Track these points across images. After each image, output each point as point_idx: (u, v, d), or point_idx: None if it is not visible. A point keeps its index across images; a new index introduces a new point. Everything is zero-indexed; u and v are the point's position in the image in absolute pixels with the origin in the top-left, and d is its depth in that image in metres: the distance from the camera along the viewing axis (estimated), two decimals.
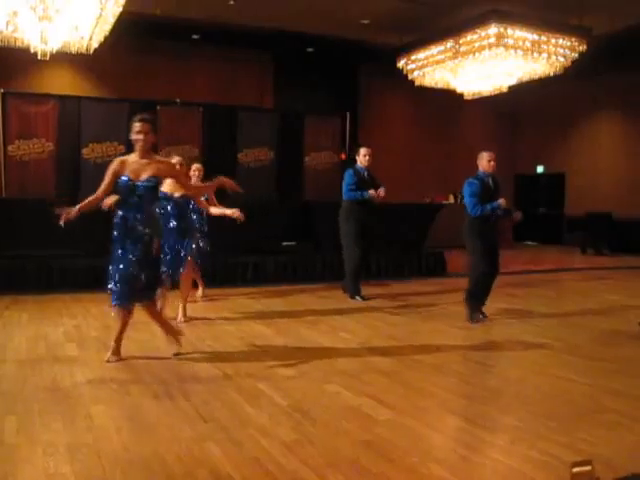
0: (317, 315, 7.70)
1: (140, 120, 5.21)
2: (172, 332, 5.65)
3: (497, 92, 15.05)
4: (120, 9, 9.69)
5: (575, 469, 0.97)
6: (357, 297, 8.77)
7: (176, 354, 5.56)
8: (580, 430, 3.84)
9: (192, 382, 4.80)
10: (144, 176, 5.15)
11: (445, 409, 4.35)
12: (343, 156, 14.58)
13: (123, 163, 5.23)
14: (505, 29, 12.52)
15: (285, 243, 11.53)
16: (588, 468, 0.96)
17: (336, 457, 3.42)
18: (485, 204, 7.26)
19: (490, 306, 8.43)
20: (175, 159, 6.79)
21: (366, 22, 14.37)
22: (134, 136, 5.18)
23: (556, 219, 19.09)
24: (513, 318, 7.67)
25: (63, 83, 14.37)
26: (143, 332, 6.59)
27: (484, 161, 7.62)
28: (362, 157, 9.03)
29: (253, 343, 6.14)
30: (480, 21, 12.65)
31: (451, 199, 17.70)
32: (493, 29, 12.47)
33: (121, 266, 5.18)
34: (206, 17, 13.84)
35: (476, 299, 7.39)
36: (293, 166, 13.97)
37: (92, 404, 4.24)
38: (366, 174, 8.96)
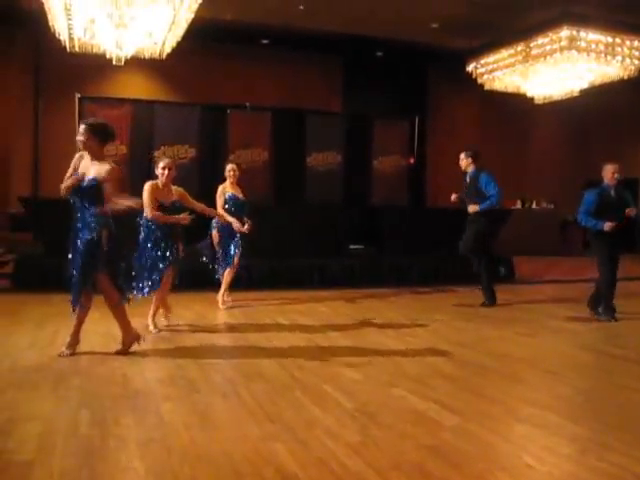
0: (384, 319, 7.69)
1: (81, 124, 5.62)
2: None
3: (568, 96, 14.76)
4: (192, 15, 9.90)
5: None
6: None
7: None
8: None
9: (259, 382, 4.87)
10: (87, 177, 5.47)
11: (512, 416, 4.30)
12: (412, 160, 14.54)
13: (80, 158, 5.63)
14: (577, 32, 12.32)
15: (352, 246, 11.58)
16: None
17: (401, 460, 3.42)
18: (592, 218, 7.65)
19: (560, 313, 8.31)
20: (162, 162, 6.70)
21: (435, 26, 14.30)
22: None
23: (630, 226, 18.55)
24: (583, 326, 7.52)
25: (136, 88, 14.73)
26: (211, 332, 6.71)
27: (608, 173, 7.70)
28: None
29: (319, 345, 6.18)
30: (551, 24, 12.47)
31: (518, 204, 17.41)
32: (565, 32, 12.28)
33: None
34: (276, 22, 13.99)
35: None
36: (361, 170, 14.01)
37: (161, 401, 4.34)
38: None
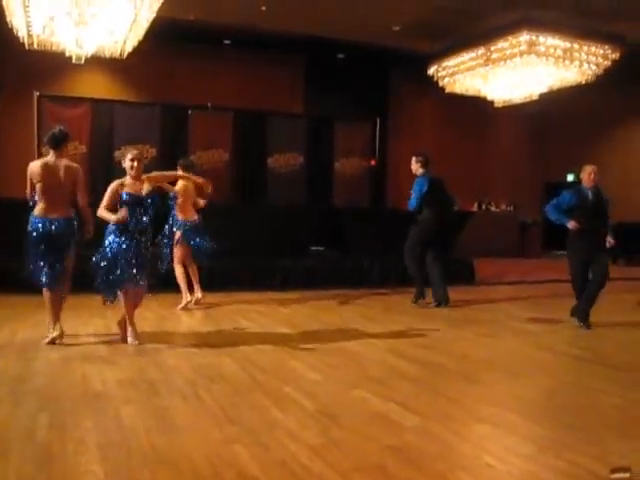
0: (346, 320, 7.71)
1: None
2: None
3: (528, 100, 14.97)
4: (154, 14, 9.81)
5: (614, 475, 0.97)
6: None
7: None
8: (609, 441, 3.80)
9: (220, 384, 4.84)
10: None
11: (472, 417, 4.34)
12: (373, 162, 14.61)
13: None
14: (537, 36, 12.48)
15: (314, 248, 11.58)
16: (627, 475, 0.96)
17: (363, 462, 3.43)
18: (559, 214, 7.64)
19: (519, 314, 8.42)
20: (131, 154, 6.35)
21: (397, 29, 14.38)
22: None
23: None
24: (542, 327, 7.62)
25: (96, 87, 14.55)
26: (173, 334, 6.67)
27: (585, 174, 7.71)
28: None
29: (281, 347, 6.17)
30: (511, 28, 12.61)
31: (475, 207, 17.53)
32: (524, 36, 12.43)
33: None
34: (238, 22, 13.94)
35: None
36: (323, 171, 14.04)
37: (121, 404, 4.29)
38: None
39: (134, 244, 6.07)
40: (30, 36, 10.43)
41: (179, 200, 8.07)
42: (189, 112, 13.23)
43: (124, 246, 6.04)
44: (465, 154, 18.78)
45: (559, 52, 12.81)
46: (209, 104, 13.47)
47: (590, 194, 7.63)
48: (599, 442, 3.79)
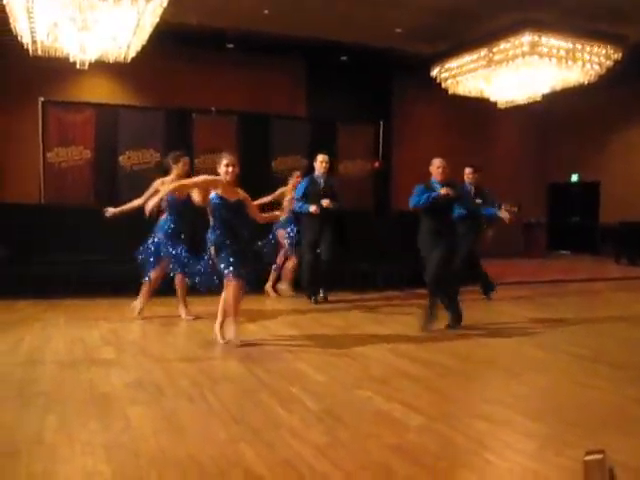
0: (348, 322, 7.76)
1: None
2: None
3: (531, 101, 14.99)
4: (157, 19, 9.87)
5: (588, 457, 1.03)
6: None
7: None
8: (608, 438, 3.85)
9: (225, 385, 4.90)
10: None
11: (474, 415, 4.38)
12: (377, 164, 14.65)
13: None
14: (539, 37, 12.49)
15: None
16: (600, 457, 1.01)
17: (366, 460, 3.48)
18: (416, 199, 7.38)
19: (522, 314, 8.45)
20: (226, 159, 6.28)
21: (399, 31, 14.41)
22: None
23: (590, 228, 18.92)
24: (544, 327, 7.66)
25: (101, 92, 14.62)
26: (179, 336, 6.73)
27: (433, 168, 7.53)
28: (319, 164, 9.08)
29: (286, 348, 6.22)
30: (514, 29, 12.63)
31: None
32: (527, 37, 12.45)
33: None
34: (241, 26, 13.99)
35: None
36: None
37: (129, 406, 4.35)
38: (322, 182, 9.05)
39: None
40: (34, 42, 10.50)
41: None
42: (193, 116, 13.29)
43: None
44: (469, 155, 18.76)
45: (562, 52, 12.81)
46: (213, 108, 13.53)
47: (439, 188, 7.29)
48: (599, 439, 3.84)
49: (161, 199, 6.59)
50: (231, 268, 6.10)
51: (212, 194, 6.19)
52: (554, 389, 5.07)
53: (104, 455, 3.48)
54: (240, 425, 3.99)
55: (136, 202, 7.45)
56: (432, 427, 4.03)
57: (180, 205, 7.29)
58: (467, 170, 9.56)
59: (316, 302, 9.03)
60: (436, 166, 7.44)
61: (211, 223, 6.27)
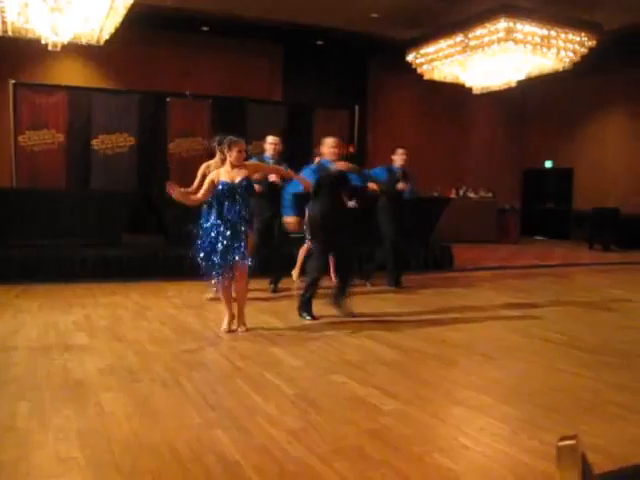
0: (320, 307, 7.75)
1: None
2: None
3: (506, 87, 15.04)
4: (131, 1, 9.74)
5: (560, 443, 1.03)
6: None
7: None
8: (582, 422, 3.90)
9: (200, 371, 4.88)
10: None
11: (449, 400, 4.41)
12: (351, 149, 14.62)
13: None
14: (514, 24, 12.52)
15: None
16: (573, 442, 1.01)
17: (341, 445, 3.49)
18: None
19: (496, 299, 8.52)
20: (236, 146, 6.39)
21: (376, 16, 14.38)
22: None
23: (564, 214, 19.10)
24: (518, 312, 7.72)
25: (73, 74, 14.44)
26: (153, 321, 6.69)
27: (325, 147, 7.25)
28: (268, 145, 8.78)
29: (260, 334, 6.21)
30: (489, 15, 12.65)
31: (453, 194, 17.58)
32: (502, 24, 12.47)
33: None
34: (216, 9, 13.88)
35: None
36: (304, 158, 14.04)
37: (102, 391, 4.32)
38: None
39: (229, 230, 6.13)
40: (4, 23, 10.31)
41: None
42: (167, 100, 13.16)
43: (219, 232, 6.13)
44: (443, 141, 18.87)
45: (537, 39, 12.86)
46: (187, 92, 13.40)
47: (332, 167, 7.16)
48: (572, 423, 3.88)
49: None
50: (239, 255, 6.07)
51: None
52: (529, 374, 5.11)
53: (78, 441, 3.45)
54: (215, 411, 3.98)
55: (190, 190, 7.21)
56: (407, 412, 4.05)
57: None
58: (400, 151, 9.23)
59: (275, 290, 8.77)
60: (329, 146, 7.18)
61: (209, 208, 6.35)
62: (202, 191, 6.24)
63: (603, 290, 9.78)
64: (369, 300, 8.37)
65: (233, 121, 13.40)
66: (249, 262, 6.14)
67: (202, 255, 6.08)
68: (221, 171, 6.24)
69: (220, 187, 6.09)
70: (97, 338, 5.90)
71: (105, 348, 5.54)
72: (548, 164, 19.87)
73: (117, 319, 6.77)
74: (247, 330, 6.25)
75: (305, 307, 6.97)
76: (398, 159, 9.17)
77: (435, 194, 16.29)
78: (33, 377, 4.64)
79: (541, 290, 9.73)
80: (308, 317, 6.92)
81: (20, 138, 11.91)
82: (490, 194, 18.39)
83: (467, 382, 4.84)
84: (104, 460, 3.24)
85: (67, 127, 12.19)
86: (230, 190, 6.09)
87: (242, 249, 6.04)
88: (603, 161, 18.11)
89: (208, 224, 6.16)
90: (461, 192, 17.86)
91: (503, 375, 5.05)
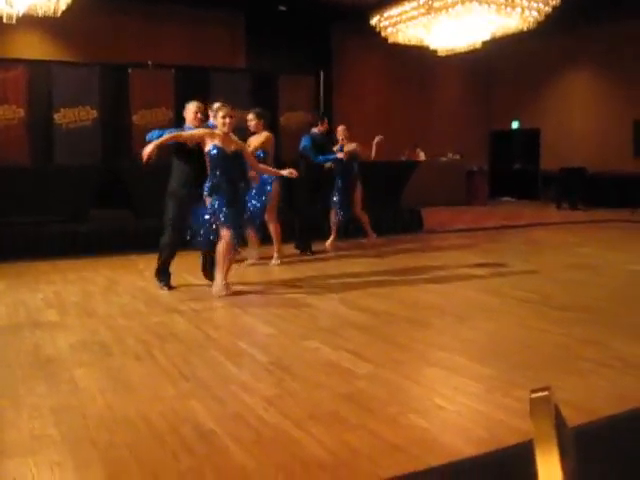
0: (293, 273, 7.76)
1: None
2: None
3: (471, 48, 14.99)
4: None
5: (533, 395, 1.03)
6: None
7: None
8: (555, 378, 3.94)
9: (173, 342, 4.86)
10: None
11: (422, 361, 4.45)
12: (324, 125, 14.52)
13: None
14: None
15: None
16: (545, 393, 1.01)
17: (317, 410, 3.50)
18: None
19: (467, 261, 8.57)
20: (222, 111, 6.35)
21: None
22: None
23: (532, 175, 19.23)
24: (489, 272, 7.78)
25: (32, 47, 14.09)
26: (123, 295, 6.63)
27: (189, 112, 6.96)
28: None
29: (232, 303, 6.19)
30: None
31: (422, 157, 17.47)
32: None
33: None
34: None
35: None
36: (271, 126, 13.94)
37: (75, 367, 4.28)
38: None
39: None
40: None
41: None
42: (129, 71, 12.92)
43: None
44: (410, 104, 18.82)
45: None
46: (149, 62, 13.16)
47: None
48: (545, 379, 3.91)
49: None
50: (224, 219, 6.21)
51: (210, 145, 6.26)
52: (501, 333, 5.16)
53: (52, 418, 3.42)
54: (189, 382, 3.97)
55: None
56: (381, 375, 4.07)
57: None
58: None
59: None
60: (192, 111, 6.94)
61: (209, 174, 6.36)
62: (191, 132, 6.46)
63: (572, 249, 9.89)
64: (339, 265, 8.39)
65: (197, 90, 13.19)
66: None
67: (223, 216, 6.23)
68: (218, 134, 6.33)
69: (214, 152, 6.22)
70: (68, 314, 5.84)
71: (76, 324, 5.49)
72: (515, 125, 19.95)
73: (87, 294, 6.70)
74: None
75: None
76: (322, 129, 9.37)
77: (403, 158, 16.29)
78: (4, 356, 4.58)
79: (510, 250, 9.83)
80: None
81: None
82: (458, 156, 18.44)
83: (440, 343, 4.88)
84: (79, 435, 3.22)
85: (27, 102, 11.92)
86: (224, 157, 6.25)
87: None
88: (569, 121, 18.22)
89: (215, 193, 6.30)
90: (419, 152, 17.51)
91: (476, 335, 5.10)
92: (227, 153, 6.30)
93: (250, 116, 8.37)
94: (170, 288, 6.82)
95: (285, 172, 7.15)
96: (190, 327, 5.32)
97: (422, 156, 17.12)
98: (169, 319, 5.59)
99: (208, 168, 6.33)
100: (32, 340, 4.97)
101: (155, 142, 6.14)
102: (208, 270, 6.93)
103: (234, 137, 6.51)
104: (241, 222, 6.48)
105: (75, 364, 4.35)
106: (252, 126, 8.28)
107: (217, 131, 6.37)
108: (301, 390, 3.79)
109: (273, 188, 8.14)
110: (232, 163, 6.33)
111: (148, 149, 6.02)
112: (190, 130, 6.65)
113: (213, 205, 6.27)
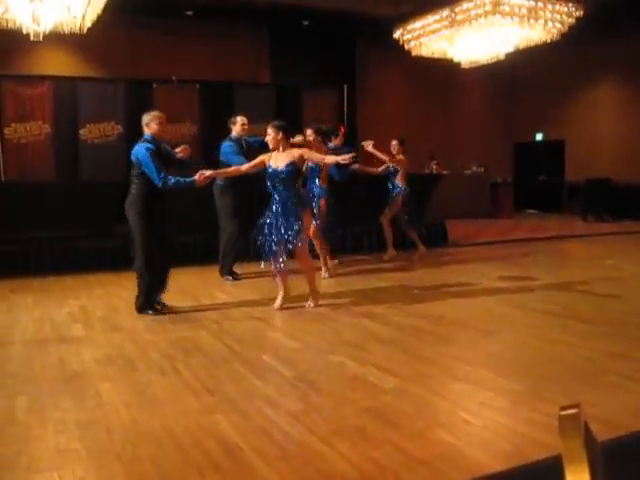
0: (325, 288, 7.73)
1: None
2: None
3: (494, 60, 14.95)
4: None
5: (563, 412, 1.01)
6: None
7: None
8: (581, 392, 3.89)
9: (198, 356, 4.86)
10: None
11: (448, 375, 4.41)
12: (342, 129, 14.55)
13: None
14: None
15: None
16: (575, 411, 0.99)
17: (342, 425, 3.48)
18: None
19: (492, 273, 8.50)
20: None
21: None
22: None
23: (557, 187, 19.06)
24: (514, 285, 7.71)
25: (58, 64, 14.27)
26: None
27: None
28: (239, 126, 8.19)
29: (257, 317, 6.18)
30: None
31: (434, 169, 17.28)
32: None
33: None
34: None
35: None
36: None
37: (100, 381, 4.30)
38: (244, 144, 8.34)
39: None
40: None
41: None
42: (154, 86, 13.06)
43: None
44: (433, 116, 18.78)
45: (524, 11, 12.77)
46: (174, 77, 13.29)
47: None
48: (570, 393, 3.88)
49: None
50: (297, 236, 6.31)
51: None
52: (526, 346, 5.11)
53: (77, 432, 3.44)
54: (214, 396, 3.97)
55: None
56: (407, 389, 4.04)
57: None
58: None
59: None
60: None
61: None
62: (248, 164, 6.68)
63: (597, 261, 9.78)
64: (363, 278, 8.36)
65: (221, 105, 13.31)
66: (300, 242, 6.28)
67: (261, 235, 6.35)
68: (273, 155, 6.41)
69: (269, 171, 6.32)
70: (93, 329, 5.87)
71: (102, 338, 5.52)
72: (539, 136, 19.82)
73: (113, 309, 6.74)
74: (316, 306, 6.54)
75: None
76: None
77: (427, 171, 16.22)
78: (30, 371, 4.61)
79: (536, 263, 9.74)
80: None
81: (6, 131, 11.81)
82: (482, 169, 18.33)
83: (465, 357, 4.84)
84: (104, 449, 3.23)
85: (53, 118, 12.10)
86: (273, 175, 6.29)
87: (295, 228, 6.20)
88: (594, 131, 18.07)
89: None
90: (433, 165, 17.31)
91: (501, 349, 5.05)
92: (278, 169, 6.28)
93: (308, 132, 8.36)
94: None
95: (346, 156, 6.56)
96: (215, 341, 5.32)
97: (434, 169, 17.02)
98: (193, 333, 5.60)
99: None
100: (58, 355, 5.00)
101: (213, 172, 6.41)
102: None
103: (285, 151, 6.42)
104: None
105: (100, 379, 4.37)
106: (310, 141, 8.27)
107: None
108: (326, 405, 3.77)
109: (321, 204, 8.21)
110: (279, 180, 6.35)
111: (210, 174, 6.30)
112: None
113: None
